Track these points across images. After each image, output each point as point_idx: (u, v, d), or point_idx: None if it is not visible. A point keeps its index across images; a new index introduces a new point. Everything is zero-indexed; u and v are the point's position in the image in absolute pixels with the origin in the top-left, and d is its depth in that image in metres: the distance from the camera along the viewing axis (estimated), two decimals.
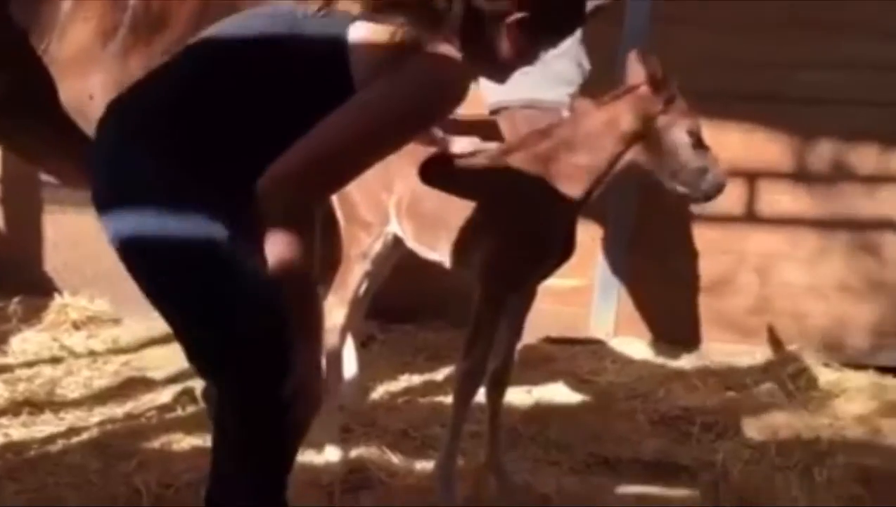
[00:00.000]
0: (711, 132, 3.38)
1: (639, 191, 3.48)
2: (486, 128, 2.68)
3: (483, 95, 2.78)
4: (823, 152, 3.58)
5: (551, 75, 2.65)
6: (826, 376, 3.42)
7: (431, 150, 2.30)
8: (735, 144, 3.44)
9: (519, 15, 1.52)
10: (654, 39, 3.22)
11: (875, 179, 3.59)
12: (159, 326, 1.82)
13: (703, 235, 3.64)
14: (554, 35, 1.63)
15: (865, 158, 3.58)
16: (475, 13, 1.51)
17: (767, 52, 3.40)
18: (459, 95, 1.48)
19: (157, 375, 3.09)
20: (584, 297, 3.71)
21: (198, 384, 2.92)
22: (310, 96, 1.47)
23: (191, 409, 2.83)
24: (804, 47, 3.40)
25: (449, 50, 1.49)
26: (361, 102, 1.43)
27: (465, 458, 2.57)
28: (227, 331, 1.46)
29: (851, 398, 3.24)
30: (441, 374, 3.19)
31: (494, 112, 2.80)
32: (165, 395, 2.94)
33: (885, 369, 3.50)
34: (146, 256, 1.47)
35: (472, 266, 2.36)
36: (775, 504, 2.53)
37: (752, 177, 3.60)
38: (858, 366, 3.53)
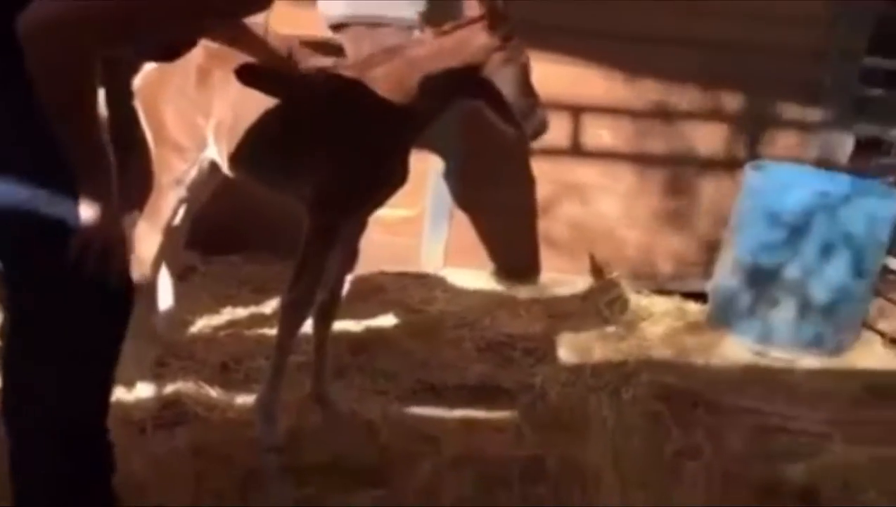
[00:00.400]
0: (542, 65, 3.50)
1: (467, 121, 3.49)
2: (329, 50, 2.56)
3: (323, 9, 2.65)
4: (645, 90, 3.74)
5: None
6: (637, 301, 3.65)
7: None
8: (564, 77, 3.52)
9: None
10: None
11: (692, 117, 3.81)
12: None
13: (527, 169, 3.72)
14: None
15: (684, 97, 3.78)
16: None
17: None
18: None
19: None
20: (414, 227, 3.72)
21: None
22: None
23: None
24: None
25: None
26: None
27: (291, 389, 2.54)
28: None
29: (657, 322, 3.48)
30: (268, 307, 3.11)
31: (336, 28, 2.69)
32: None
33: (688, 295, 3.78)
34: None
35: (302, 194, 2.28)
36: (588, 422, 2.68)
37: (577, 111, 3.71)
38: (666, 292, 3.80)
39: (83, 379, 1.41)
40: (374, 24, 2.65)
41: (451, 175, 3.69)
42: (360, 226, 2.51)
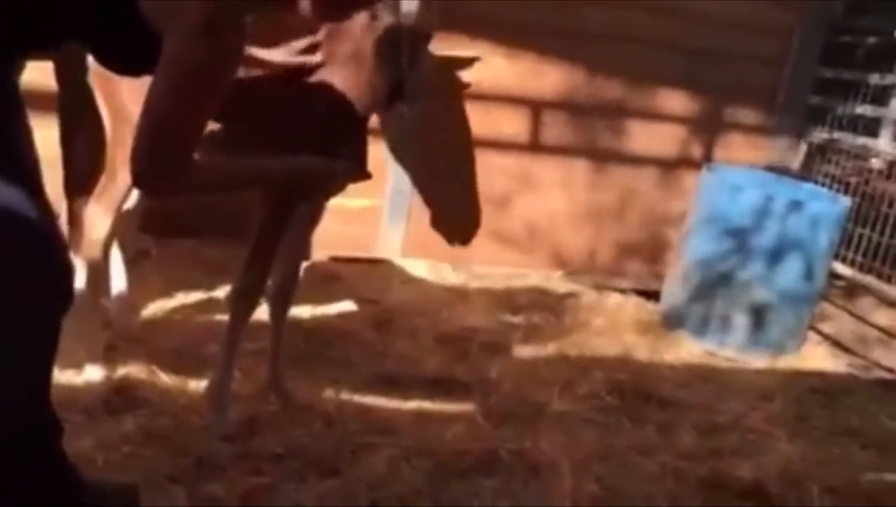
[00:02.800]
0: (500, 60, 3.51)
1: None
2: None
3: None
4: (603, 88, 3.77)
5: None
6: (591, 298, 3.69)
7: None
8: (522, 73, 3.54)
9: None
10: None
11: (649, 117, 3.86)
12: None
13: (487, 159, 3.71)
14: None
15: (642, 97, 3.83)
16: None
17: None
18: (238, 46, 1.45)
19: None
20: (373, 216, 3.70)
21: None
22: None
23: None
24: None
25: None
26: (157, 79, 1.41)
27: (245, 377, 2.50)
28: None
29: (611, 319, 3.52)
30: (221, 291, 3.04)
31: None
32: None
33: (641, 293, 3.84)
34: None
35: None
36: (542, 415, 2.70)
37: (534, 106, 3.72)
38: (619, 290, 3.85)
39: (22, 358, 1.37)
40: None
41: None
42: (316, 213, 2.48)
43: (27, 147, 1.40)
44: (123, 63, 1.53)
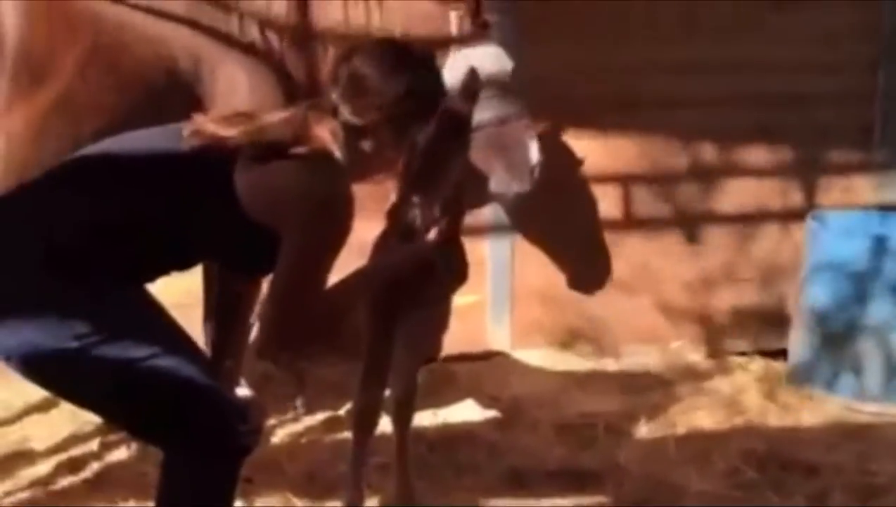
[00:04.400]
0: (585, 141, 3.54)
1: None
2: None
3: None
4: (694, 152, 3.74)
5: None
6: (712, 365, 3.58)
7: None
8: (612, 150, 3.57)
9: (377, 118, 1.71)
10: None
11: (747, 173, 3.79)
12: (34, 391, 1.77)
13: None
14: (413, 129, 1.80)
15: (732, 155, 3.77)
16: (349, 128, 1.72)
17: (619, 60, 3.50)
18: (350, 206, 1.66)
19: (39, 446, 2.88)
20: (477, 312, 3.72)
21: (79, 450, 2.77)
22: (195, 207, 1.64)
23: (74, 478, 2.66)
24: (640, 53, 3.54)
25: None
26: (285, 259, 1.61)
27: (376, 493, 2.53)
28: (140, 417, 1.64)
29: (737, 385, 3.39)
30: (342, 410, 3.12)
31: None
32: (47, 466, 2.74)
33: (766, 353, 3.69)
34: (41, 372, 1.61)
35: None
36: (680, 500, 2.60)
37: (623, 181, 3.72)
38: (741, 353, 3.71)
39: None
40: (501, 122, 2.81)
41: (505, 255, 3.71)
42: (427, 319, 2.53)
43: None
44: (249, 269, 1.71)
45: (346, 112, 1.72)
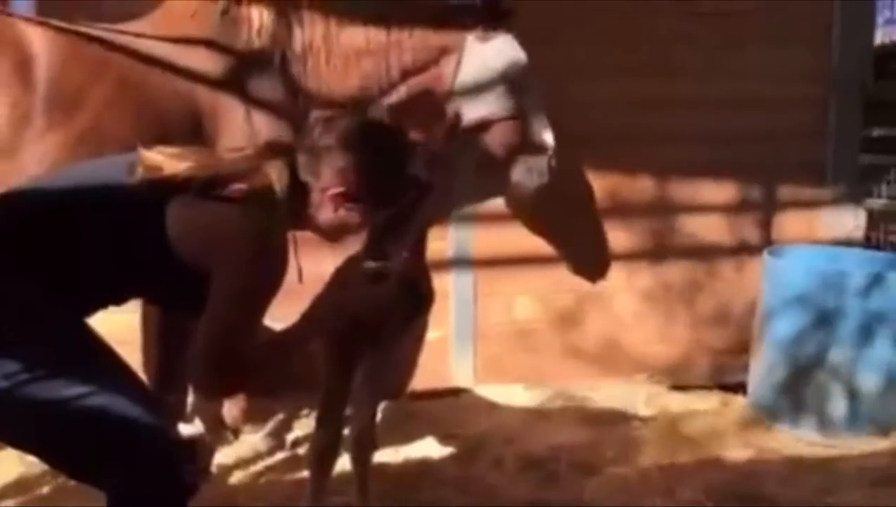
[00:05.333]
0: None
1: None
2: None
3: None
4: (648, 187, 3.79)
5: None
6: (675, 400, 3.58)
7: None
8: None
9: (337, 190, 1.69)
10: None
11: (701, 210, 3.85)
12: None
13: (542, 276, 3.73)
14: (372, 207, 1.76)
15: (688, 190, 3.83)
16: (302, 186, 1.69)
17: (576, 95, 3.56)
18: (283, 252, 1.63)
19: None
20: (440, 347, 3.70)
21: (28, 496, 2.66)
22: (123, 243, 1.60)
23: None
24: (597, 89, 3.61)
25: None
26: (214, 301, 1.58)
27: None
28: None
29: (699, 419, 3.39)
30: (302, 447, 3.06)
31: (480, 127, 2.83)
32: None
33: (726, 387, 3.71)
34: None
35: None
36: None
37: None
38: (703, 387, 3.73)
39: None
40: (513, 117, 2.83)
41: (468, 293, 3.70)
42: (386, 354, 2.50)
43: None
44: (179, 309, 1.68)
45: (303, 168, 1.70)
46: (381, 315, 2.24)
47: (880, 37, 5.05)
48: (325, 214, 1.73)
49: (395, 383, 3.46)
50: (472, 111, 2.78)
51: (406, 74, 2.79)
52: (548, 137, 2.87)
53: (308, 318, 1.78)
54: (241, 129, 2.59)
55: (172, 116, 2.50)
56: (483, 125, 2.81)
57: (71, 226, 1.59)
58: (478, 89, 2.79)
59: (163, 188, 1.59)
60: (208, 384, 1.62)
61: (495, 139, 2.84)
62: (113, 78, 2.45)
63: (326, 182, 1.70)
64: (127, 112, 2.45)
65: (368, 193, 1.73)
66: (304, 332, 1.79)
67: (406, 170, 1.82)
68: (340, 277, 2.16)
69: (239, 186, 1.61)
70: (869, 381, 3.29)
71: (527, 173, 2.90)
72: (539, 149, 2.87)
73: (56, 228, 1.59)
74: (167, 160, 1.62)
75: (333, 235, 1.81)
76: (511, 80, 2.80)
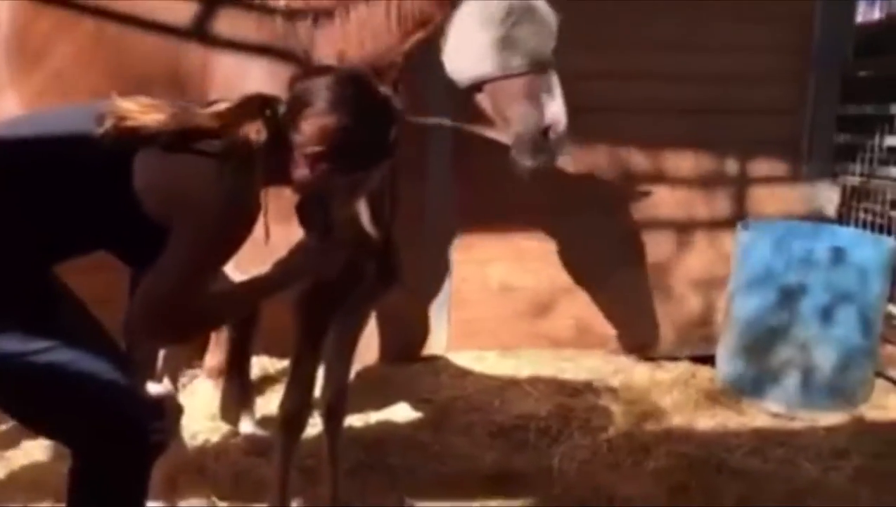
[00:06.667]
0: None
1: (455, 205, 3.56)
2: None
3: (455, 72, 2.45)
4: (625, 158, 3.78)
5: None
6: (644, 371, 3.62)
7: None
8: None
9: (315, 149, 1.65)
10: None
11: (677, 182, 3.84)
12: None
13: (520, 245, 3.72)
14: (350, 169, 1.72)
15: (667, 161, 3.83)
16: (281, 140, 1.64)
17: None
18: (253, 211, 1.61)
19: None
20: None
21: None
22: (88, 195, 1.56)
23: None
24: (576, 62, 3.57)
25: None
26: (171, 249, 1.54)
27: (306, 495, 2.47)
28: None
29: (668, 391, 3.42)
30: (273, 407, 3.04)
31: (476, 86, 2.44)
32: None
33: (695, 359, 3.75)
34: None
35: (291, 295, 2.25)
36: (611, 502, 2.62)
37: (556, 181, 3.71)
38: (671, 358, 3.77)
39: None
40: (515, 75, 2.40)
41: (445, 259, 3.70)
42: (360, 321, 2.48)
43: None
44: (140, 260, 1.61)
45: (285, 123, 1.65)
46: (348, 279, 2.22)
47: (862, 14, 5.04)
48: (301, 172, 1.68)
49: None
50: (462, 69, 2.42)
51: (407, 33, 2.39)
52: (553, 109, 2.42)
53: (268, 276, 1.76)
54: (235, 89, 2.44)
55: (153, 77, 2.35)
56: (474, 86, 2.43)
57: (36, 174, 1.54)
58: (469, 41, 2.39)
59: (131, 139, 1.54)
60: (146, 326, 1.56)
61: (487, 104, 2.44)
62: (89, 29, 2.35)
63: (307, 140, 1.65)
64: (96, 71, 2.35)
65: (347, 156, 1.68)
66: (262, 287, 1.77)
67: (388, 137, 1.76)
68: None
69: (215, 141, 1.57)
70: (829, 360, 3.33)
71: (522, 149, 2.45)
72: (539, 121, 2.41)
73: (21, 176, 1.54)
74: (141, 110, 1.56)
75: (303, 192, 1.77)
76: (510, 28, 2.38)
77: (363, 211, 2.21)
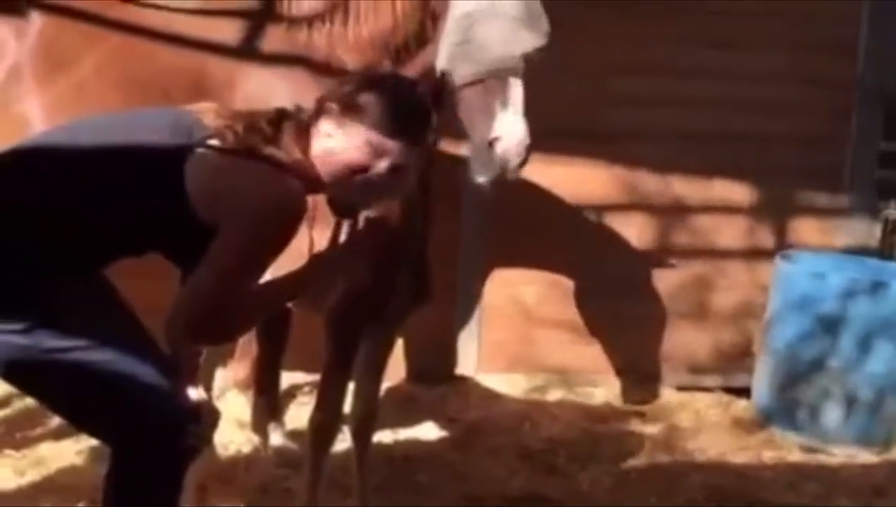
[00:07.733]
0: (562, 168, 3.53)
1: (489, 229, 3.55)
2: None
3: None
4: (669, 187, 3.76)
5: None
6: (677, 399, 3.57)
7: None
8: (585, 179, 3.58)
9: (356, 159, 1.63)
10: None
11: (718, 211, 3.82)
12: None
13: (551, 269, 3.71)
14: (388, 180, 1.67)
15: (709, 191, 3.80)
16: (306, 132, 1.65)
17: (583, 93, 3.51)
18: (298, 215, 1.60)
19: None
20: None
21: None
22: (142, 200, 1.58)
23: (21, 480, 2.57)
24: (615, 87, 3.57)
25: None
26: (216, 250, 1.55)
27: None
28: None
29: (700, 420, 3.38)
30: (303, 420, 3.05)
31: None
32: None
33: (729, 390, 3.70)
34: None
35: (323, 309, 2.28)
36: None
37: (594, 211, 3.72)
38: (705, 388, 3.71)
39: None
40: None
41: (475, 281, 3.69)
42: (389, 338, 2.49)
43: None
44: (190, 261, 1.63)
45: (329, 129, 1.64)
46: (381, 292, 2.24)
47: None
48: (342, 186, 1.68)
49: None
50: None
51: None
52: (505, 120, 2.20)
53: (297, 273, 1.75)
54: (261, 102, 2.48)
55: (177, 90, 2.39)
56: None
57: (95, 177, 1.58)
58: (442, 47, 2.25)
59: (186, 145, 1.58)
60: (187, 326, 1.56)
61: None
62: (115, 42, 2.40)
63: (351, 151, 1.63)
64: (119, 84, 2.39)
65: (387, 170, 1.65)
66: (293, 285, 1.76)
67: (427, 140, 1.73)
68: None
69: (275, 151, 1.60)
70: (866, 394, 3.27)
71: (471, 163, 2.31)
72: (485, 133, 2.22)
73: (81, 178, 1.57)
74: (225, 122, 1.61)
75: (342, 209, 1.76)
76: (466, 32, 2.20)
77: (394, 216, 2.21)
